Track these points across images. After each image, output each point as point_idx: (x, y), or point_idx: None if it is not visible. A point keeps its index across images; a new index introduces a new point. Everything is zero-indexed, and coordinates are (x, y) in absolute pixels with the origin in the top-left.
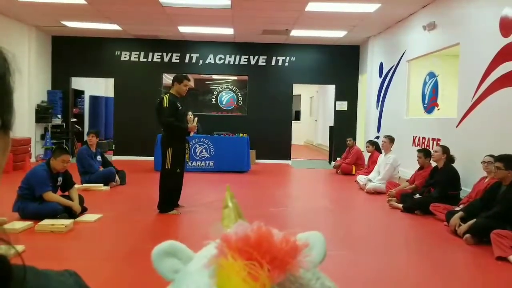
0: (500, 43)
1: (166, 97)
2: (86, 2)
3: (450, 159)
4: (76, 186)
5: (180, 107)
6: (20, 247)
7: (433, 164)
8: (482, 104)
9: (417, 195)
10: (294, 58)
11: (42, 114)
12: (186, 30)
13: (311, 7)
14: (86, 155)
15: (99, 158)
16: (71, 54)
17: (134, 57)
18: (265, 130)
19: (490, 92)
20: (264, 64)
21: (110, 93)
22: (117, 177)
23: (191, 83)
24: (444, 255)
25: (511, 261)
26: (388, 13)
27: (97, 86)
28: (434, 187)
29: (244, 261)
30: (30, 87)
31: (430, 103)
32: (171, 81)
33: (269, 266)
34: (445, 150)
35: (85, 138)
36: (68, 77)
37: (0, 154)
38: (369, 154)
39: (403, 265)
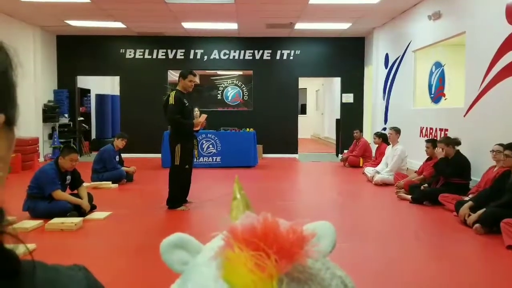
0: (506, 31)
1: (172, 94)
2: (89, 1)
3: (456, 144)
4: (84, 184)
5: (187, 104)
6: (31, 246)
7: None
8: (489, 93)
9: (426, 186)
10: (299, 51)
11: (49, 113)
12: (190, 26)
13: None
14: (112, 156)
15: (117, 158)
16: (76, 53)
17: (139, 55)
18: (271, 124)
19: (497, 80)
20: (269, 58)
21: (116, 91)
22: (130, 168)
23: (197, 79)
24: (454, 245)
25: None
26: (392, 4)
27: (103, 85)
28: (443, 175)
29: (250, 252)
30: (37, 87)
31: (437, 93)
32: (176, 78)
33: (276, 257)
34: (448, 141)
35: (93, 136)
36: (74, 76)
37: (6, 150)
38: (377, 146)
39: (413, 256)
